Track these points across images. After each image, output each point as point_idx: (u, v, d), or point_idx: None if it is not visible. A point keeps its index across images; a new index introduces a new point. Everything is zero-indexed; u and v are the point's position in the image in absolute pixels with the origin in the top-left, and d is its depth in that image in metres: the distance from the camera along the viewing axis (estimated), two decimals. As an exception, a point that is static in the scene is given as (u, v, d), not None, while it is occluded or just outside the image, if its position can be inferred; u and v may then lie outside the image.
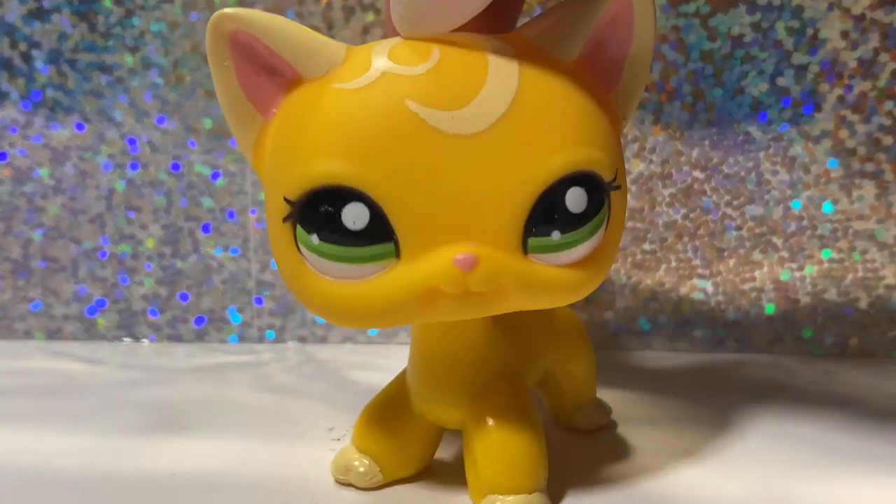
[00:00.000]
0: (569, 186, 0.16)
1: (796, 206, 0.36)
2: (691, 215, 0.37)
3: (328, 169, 0.16)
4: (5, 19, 0.36)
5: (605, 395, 0.30)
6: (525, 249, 0.16)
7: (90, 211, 0.38)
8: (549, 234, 0.16)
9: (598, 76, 0.17)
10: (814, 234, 0.36)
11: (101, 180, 0.38)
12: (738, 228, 0.37)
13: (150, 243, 0.38)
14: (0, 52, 0.37)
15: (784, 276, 0.36)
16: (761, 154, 0.36)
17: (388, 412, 0.21)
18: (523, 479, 0.19)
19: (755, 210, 0.36)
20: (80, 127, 0.37)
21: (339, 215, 0.16)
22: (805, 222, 0.36)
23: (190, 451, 0.24)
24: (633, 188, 0.37)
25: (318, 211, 0.16)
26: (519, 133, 0.16)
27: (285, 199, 0.16)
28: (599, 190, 0.17)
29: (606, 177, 0.17)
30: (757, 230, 0.36)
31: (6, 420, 0.26)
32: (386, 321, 0.17)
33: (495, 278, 0.16)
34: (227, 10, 0.16)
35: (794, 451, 0.24)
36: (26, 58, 0.37)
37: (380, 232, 0.16)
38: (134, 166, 0.38)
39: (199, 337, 0.38)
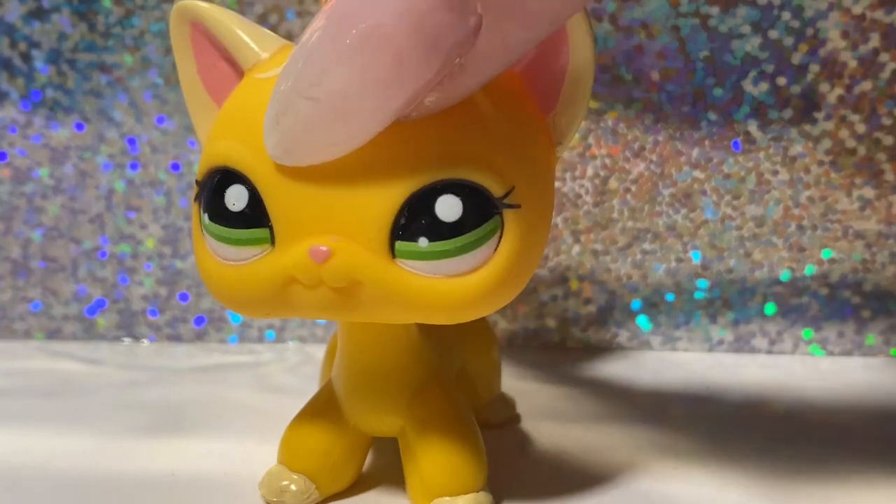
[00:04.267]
0: (441, 193, 0.15)
1: (796, 206, 0.36)
2: (691, 215, 0.37)
3: (221, 150, 0.16)
4: (5, 19, 0.36)
5: (605, 394, 0.30)
6: (394, 253, 0.16)
7: (90, 211, 0.38)
8: (415, 240, 0.16)
9: (536, 96, 0.17)
10: (814, 234, 0.36)
11: (101, 180, 0.38)
12: (738, 228, 0.37)
13: (149, 243, 0.38)
14: (0, 51, 0.37)
15: (784, 276, 0.36)
16: (761, 154, 0.36)
17: (319, 426, 0.20)
18: (469, 478, 0.19)
19: (755, 210, 0.36)
20: (79, 127, 0.37)
21: (224, 196, 0.16)
22: (805, 222, 0.36)
23: (190, 451, 0.24)
24: (633, 188, 0.37)
25: (211, 191, 0.17)
26: (396, 133, 0.15)
27: (196, 181, 0.17)
28: (482, 202, 0.16)
29: (495, 191, 0.16)
30: (757, 230, 0.36)
31: (5, 420, 0.26)
32: (257, 308, 0.17)
33: (349, 274, 0.16)
34: (188, 1, 0.17)
35: (794, 452, 0.24)
36: (26, 58, 0.37)
37: (257, 216, 0.16)
38: (134, 166, 0.38)
39: (199, 337, 0.38)
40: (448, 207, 0.16)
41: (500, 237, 0.16)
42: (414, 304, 0.16)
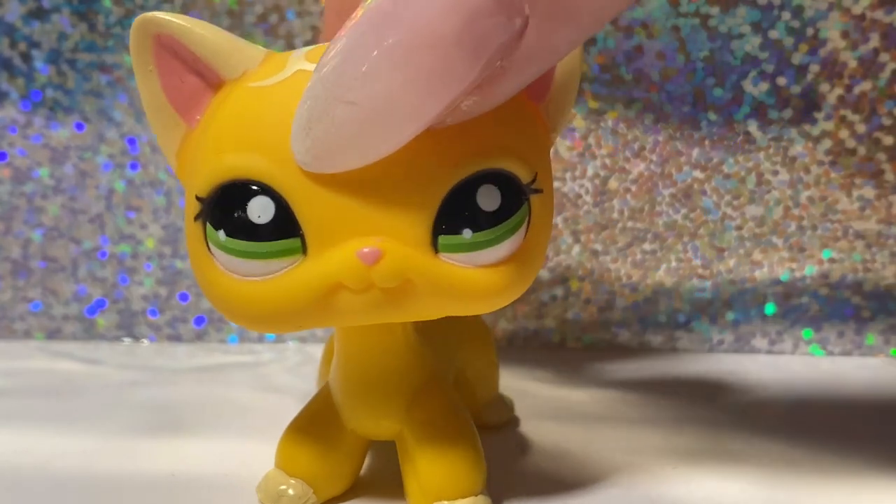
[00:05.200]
0: (480, 184, 0.16)
1: (796, 206, 0.36)
2: (691, 215, 0.37)
3: (235, 162, 0.16)
4: (5, 19, 0.36)
5: (606, 394, 0.30)
6: (437, 248, 0.16)
7: (90, 211, 0.38)
8: (459, 232, 0.16)
9: (528, 86, 0.17)
10: (814, 234, 0.36)
11: (101, 180, 0.38)
12: (738, 228, 0.37)
13: (149, 243, 0.38)
14: (0, 51, 0.37)
15: (784, 276, 0.36)
16: (761, 154, 0.36)
17: (316, 430, 0.20)
18: (467, 482, 0.19)
19: (755, 210, 0.36)
20: (79, 127, 0.37)
21: (245, 209, 0.16)
22: (805, 222, 0.36)
23: (190, 451, 0.24)
24: (633, 188, 0.37)
25: (225, 206, 0.16)
26: (427, 131, 0.15)
27: (196, 198, 0.16)
28: (516, 190, 0.16)
29: (524, 178, 0.16)
30: (757, 230, 0.36)
31: (5, 420, 0.26)
32: (292, 321, 0.16)
33: (401, 273, 0.16)
34: (150, 14, 0.16)
35: (794, 452, 0.24)
36: (26, 58, 0.37)
37: (286, 226, 0.16)
38: (133, 166, 0.38)
39: (199, 337, 0.38)
40: (489, 197, 0.16)
41: (529, 223, 0.17)
42: (459, 296, 0.16)
